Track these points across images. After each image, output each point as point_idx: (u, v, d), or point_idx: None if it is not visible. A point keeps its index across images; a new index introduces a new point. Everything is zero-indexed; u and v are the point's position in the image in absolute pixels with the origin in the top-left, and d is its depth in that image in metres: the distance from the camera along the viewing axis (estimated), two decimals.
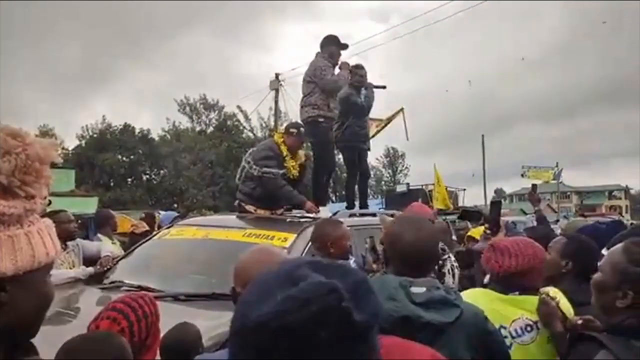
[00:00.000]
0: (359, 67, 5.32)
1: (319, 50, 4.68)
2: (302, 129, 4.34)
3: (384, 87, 5.79)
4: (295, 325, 0.65)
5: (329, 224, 3.00)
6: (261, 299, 0.69)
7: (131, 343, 1.54)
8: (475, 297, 1.84)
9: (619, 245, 1.60)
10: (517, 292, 1.94)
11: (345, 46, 4.76)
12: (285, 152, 4.17)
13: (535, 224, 5.26)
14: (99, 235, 4.49)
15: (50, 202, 1.09)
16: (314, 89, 4.51)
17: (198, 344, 1.83)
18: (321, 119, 4.47)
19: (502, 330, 1.81)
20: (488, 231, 2.75)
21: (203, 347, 1.87)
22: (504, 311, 1.88)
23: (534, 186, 6.48)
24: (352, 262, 3.07)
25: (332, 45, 4.65)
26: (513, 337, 1.84)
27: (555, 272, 2.33)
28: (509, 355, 1.63)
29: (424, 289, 1.47)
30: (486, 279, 2.32)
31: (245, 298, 0.73)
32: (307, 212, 4.05)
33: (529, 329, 1.87)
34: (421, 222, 1.73)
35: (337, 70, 4.89)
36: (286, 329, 0.65)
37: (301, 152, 4.34)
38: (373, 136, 10.05)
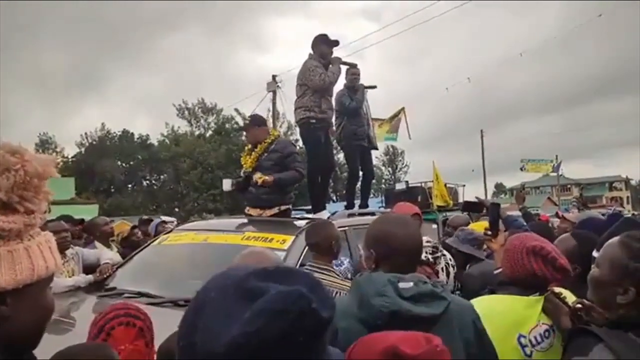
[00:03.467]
0: (353, 67, 5.32)
1: (311, 51, 4.64)
2: (251, 119, 4.39)
3: (375, 87, 5.90)
4: (274, 337, 0.65)
5: (329, 225, 3.00)
6: (222, 322, 0.67)
7: (147, 341, 1.60)
8: (497, 302, 1.84)
9: (615, 240, 1.56)
10: (537, 293, 1.90)
11: (335, 43, 4.70)
12: (246, 150, 4.36)
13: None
14: (95, 242, 4.49)
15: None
16: (305, 91, 4.49)
17: None
18: (313, 121, 4.46)
19: (522, 339, 1.79)
20: (489, 232, 2.71)
21: None
22: (525, 317, 1.84)
23: (522, 185, 6.69)
24: (347, 262, 3.08)
25: (322, 45, 4.59)
26: (533, 345, 1.81)
27: None
28: (493, 347, 1.60)
29: (412, 283, 1.48)
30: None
31: (198, 324, 0.70)
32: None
33: (547, 334, 1.83)
34: (406, 219, 1.79)
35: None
36: (266, 343, 0.65)
37: (270, 138, 4.23)
38: (390, 139, 10.11)
